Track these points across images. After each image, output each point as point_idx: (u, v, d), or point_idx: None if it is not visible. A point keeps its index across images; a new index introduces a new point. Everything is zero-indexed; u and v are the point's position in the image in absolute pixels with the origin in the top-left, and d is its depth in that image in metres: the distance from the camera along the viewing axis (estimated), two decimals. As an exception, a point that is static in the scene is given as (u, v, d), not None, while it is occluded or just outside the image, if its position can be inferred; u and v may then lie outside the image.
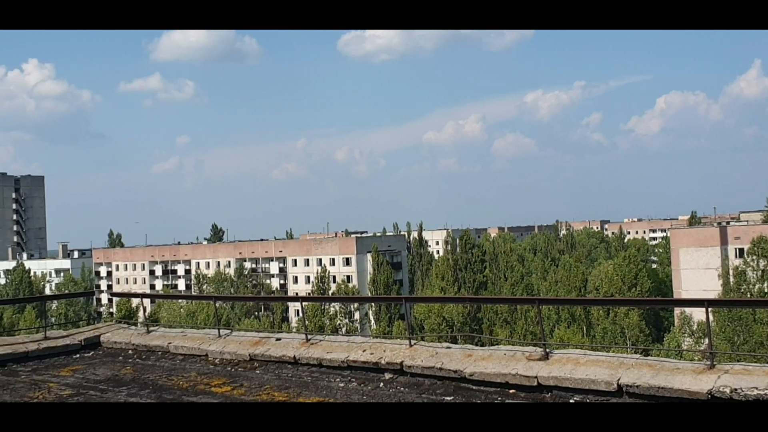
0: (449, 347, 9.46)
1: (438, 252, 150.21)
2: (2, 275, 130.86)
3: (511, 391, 8.07)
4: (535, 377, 7.94)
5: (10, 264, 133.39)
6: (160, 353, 11.99)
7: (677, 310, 74.87)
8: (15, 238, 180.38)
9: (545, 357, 8.34)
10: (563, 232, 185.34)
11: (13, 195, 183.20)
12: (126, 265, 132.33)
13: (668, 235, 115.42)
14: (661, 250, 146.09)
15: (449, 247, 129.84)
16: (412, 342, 9.76)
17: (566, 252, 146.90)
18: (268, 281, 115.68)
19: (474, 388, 8.37)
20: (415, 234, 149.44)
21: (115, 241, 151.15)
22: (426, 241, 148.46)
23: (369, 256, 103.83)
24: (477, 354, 8.91)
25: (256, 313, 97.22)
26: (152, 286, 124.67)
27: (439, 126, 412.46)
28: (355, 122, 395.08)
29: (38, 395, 9.27)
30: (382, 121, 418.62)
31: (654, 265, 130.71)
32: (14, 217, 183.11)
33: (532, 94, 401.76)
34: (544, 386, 7.88)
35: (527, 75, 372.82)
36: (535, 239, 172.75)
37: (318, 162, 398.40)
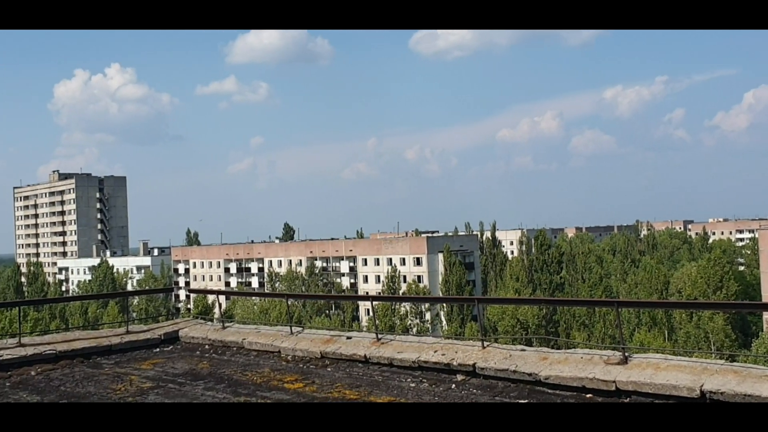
0: (524, 350, 9.36)
1: (512, 252, 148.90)
2: (87, 272, 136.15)
3: (588, 395, 7.94)
4: (613, 382, 7.78)
5: (95, 261, 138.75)
6: (234, 349, 12.27)
7: (766, 315, 71.97)
8: (99, 236, 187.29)
9: (624, 361, 8.17)
10: (644, 232, 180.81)
11: (98, 195, 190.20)
12: (202, 262, 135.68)
13: (756, 235, 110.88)
14: (748, 252, 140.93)
15: (524, 248, 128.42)
16: (485, 344, 9.69)
17: (647, 253, 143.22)
18: (338, 280, 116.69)
19: (549, 391, 8.26)
20: (488, 234, 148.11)
21: (193, 240, 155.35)
22: (499, 241, 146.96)
23: (440, 256, 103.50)
24: (552, 357, 8.79)
25: (327, 311, 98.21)
26: (227, 284, 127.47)
27: (514, 123, 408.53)
28: (426, 121, 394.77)
29: (120, 387, 9.63)
30: (455, 119, 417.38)
31: (741, 268, 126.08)
32: (98, 216, 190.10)
33: (611, 90, 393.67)
34: (622, 391, 7.72)
35: (606, 70, 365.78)
36: (614, 240, 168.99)
37: (388, 161, 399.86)
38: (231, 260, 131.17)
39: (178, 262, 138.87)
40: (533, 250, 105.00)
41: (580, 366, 8.29)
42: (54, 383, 10.01)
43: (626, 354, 8.29)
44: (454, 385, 8.98)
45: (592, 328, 78.94)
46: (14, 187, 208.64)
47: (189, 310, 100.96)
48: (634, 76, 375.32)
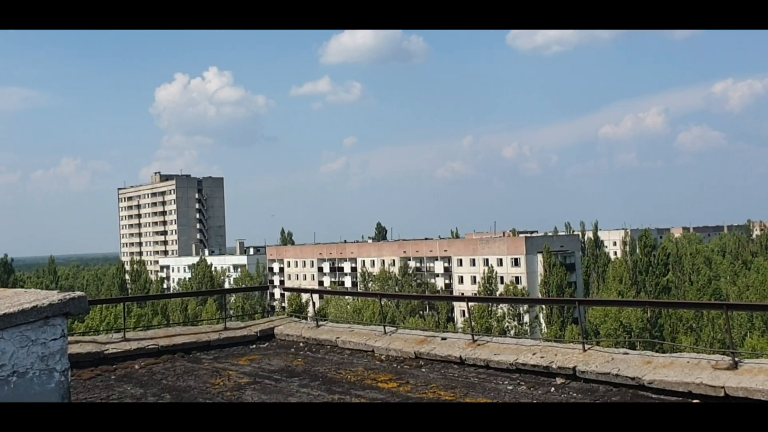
0: (626, 353, 9.14)
1: (615, 253, 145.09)
2: (187, 270, 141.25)
3: (694, 401, 7.69)
4: (722, 387, 7.49)
5: (194, 259, 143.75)
6: (328, 347, 12.48)
7: None
8: (198, 236, 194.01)
9: (734, 366, 7.85)
10: (756, 232, 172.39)
11: (197, 195, 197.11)
12: (296, 262, 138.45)
13: None
14: None
15: (627, 248, 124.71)
16: (586, 346, 9.52)
17: (760, 254, 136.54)
18: (432, 280, 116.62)
19: (653, 396, 8.05)
20: (589, 234, 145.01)
21: (287, 239, 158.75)
22: (602, 242, 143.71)
23: (539, 257, 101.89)
24: (657, 361, 8.54)
25: (421, 312, 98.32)
26: (320, 283, 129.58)
27: (617, 119, 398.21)
28: (524, 118, 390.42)
29: (219, 382, 9.96)
30: (554, 115, 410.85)
31: None
32: (197, 216, 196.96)
33: (720, 84, 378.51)
34: (731, 397, 7.43)
35: (716, 63, 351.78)
36: (724, 240, 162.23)
37: (485, 159, 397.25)
38: (324, 260, 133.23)
39: (273, 261, 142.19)
40: (637, 250, 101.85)
41: (686, 370, 8.03)
42: (156, 377, 10.46)
43: (736, 359, 7.98)
44: (553, 389, 8.86)
45: (699, 332, 76.06)
46: (118, 189, 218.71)
47: (283, 308, 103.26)
48: (747, 68, 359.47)
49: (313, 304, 15.59)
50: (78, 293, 5.22)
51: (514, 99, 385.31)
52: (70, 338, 10.22)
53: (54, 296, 5.06)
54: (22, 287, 5.71)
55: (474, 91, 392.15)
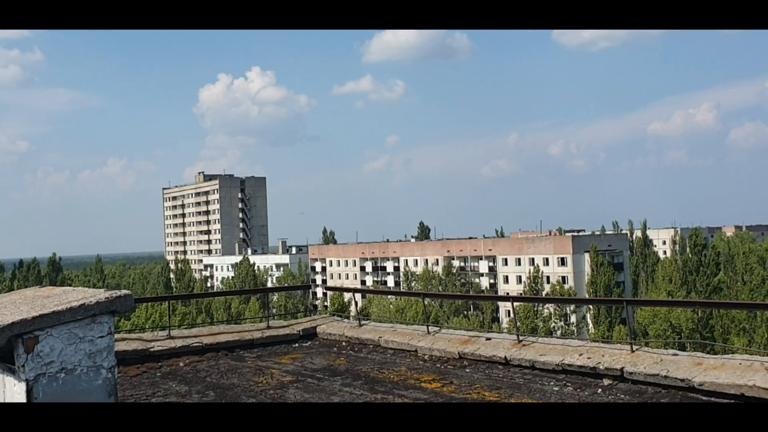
0: (676, 354, 9.00)
1: (664, 253, 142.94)
2: (230, 269, 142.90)
3: (747, 403, 7.53)
4: (776, 390, 7.34)
5: (237, 258, 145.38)
6: (371, 346, 12.52)
7: None
8: (241, 235, 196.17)
9: (788, 369, 7.68)
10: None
11: (240, 195, 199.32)
12: (338, 261, 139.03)
13: None
14: None
15: (677, 248, 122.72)
16: (634, 347, 9.41)
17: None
18: (477, 280, 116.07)
19: (703, 399, 7.91)
20: (638, 233, 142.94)
21: (329, 238, 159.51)
22: (650, 241, 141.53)
23: (586, 257, 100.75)
24: (708, 363, 8.40)
25: (465, 312, 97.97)
26: (363, 282, 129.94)
27: (666, 116, 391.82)
28: (571, 114, 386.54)
29: (262, 380, 10.07)
30: (602, 112, 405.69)
31: None
32: (240, 215, 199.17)
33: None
34: (786, 401, 7.27)
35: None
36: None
37: (530, 157, 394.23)
38: (366, 259, 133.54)
39: (315, 260, 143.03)
40: (687, 250, 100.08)
41: (738, 372, 7.87)
42: (201, 374, 10.62)
43: (792, 361, 7.80)
44: (600, 390, 8.77)
45: (753, 334, 74.40)
46: (163, 189, 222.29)
47: (326, 307, 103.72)
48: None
49: (356, 303, 15.63)
50: (124, 291, 5.32)
51: (560, 95, 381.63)
52: (116, 336, 10.43)
53: (101, 294, 5.17)
54: (70, 286, 5.88)
55: (519, 87, 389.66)
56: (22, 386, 4.66)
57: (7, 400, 4.85)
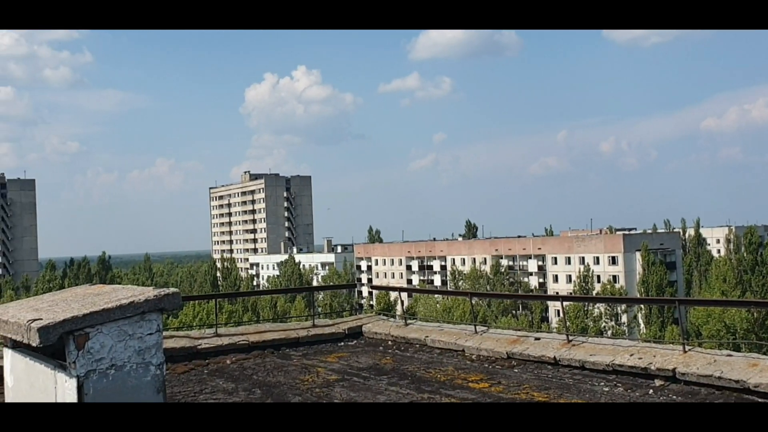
0: (730, 355, 8.84)
1: (718, 251, 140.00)
2: (276, 267, 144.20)
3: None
4: (837, 393, 7.15)
5: (283, 257, 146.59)
6: (417, 346, 12.53)
7: None
8: (286, 234, 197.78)
9: None
10: None
11: (285, 194, 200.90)
12: (384, 260, 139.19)
13: None
14: None
15: (732, 246, 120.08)
16: (687, 348, 9.28)
17: None
18: (525, 279, 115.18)
19: (759, 401, 7.75)
20: (690, 231, 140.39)
21: (374, 237, 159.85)
22: (704, 240, 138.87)
23: (638, 255, 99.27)
24: (764, 364, 8.23)
25: (514, 311, 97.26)
26: (409, 281, 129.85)
27: (720, 112, 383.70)
28: (622, 111, 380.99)
29: (308, 378, 10.15)
30: (653, 108, 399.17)
31: None
32: (286, 214, 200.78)
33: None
34: None
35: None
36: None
37: (580, 155, 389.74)
38: (413, 258, 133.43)
39: (361, 259, 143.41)
40: (742, 248, 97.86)
41: (798, 375, 7.69)
42: (247, 372, 10.75)
43: None
44: (651, 391, 8.66)
45: (812, 336, 72.43)
46: (210, 188, 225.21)
47: (371, 306, 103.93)
48: None
49: (402, 302, 15.65)
50: (172, 289, 5.41)
51: (611, 92, 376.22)
52: (164, 333, 10.62)
53: (149, 292, 5.27)
54: (119, 284, 6.01)
55: (569, 84, 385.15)
56: (73, 382, 4.77)
57: (58, 396, 4.97)
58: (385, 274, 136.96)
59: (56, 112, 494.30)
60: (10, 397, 6.05)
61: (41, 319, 4.90)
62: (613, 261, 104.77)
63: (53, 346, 4.94)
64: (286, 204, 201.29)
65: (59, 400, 4.97)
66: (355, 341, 13.40)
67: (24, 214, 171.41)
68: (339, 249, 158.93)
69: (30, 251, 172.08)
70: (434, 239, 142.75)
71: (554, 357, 10.28)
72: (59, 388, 4.96)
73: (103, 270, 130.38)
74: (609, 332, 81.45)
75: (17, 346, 5.78)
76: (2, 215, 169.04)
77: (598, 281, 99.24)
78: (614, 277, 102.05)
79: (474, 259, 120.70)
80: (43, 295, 6.38)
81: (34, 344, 4.82)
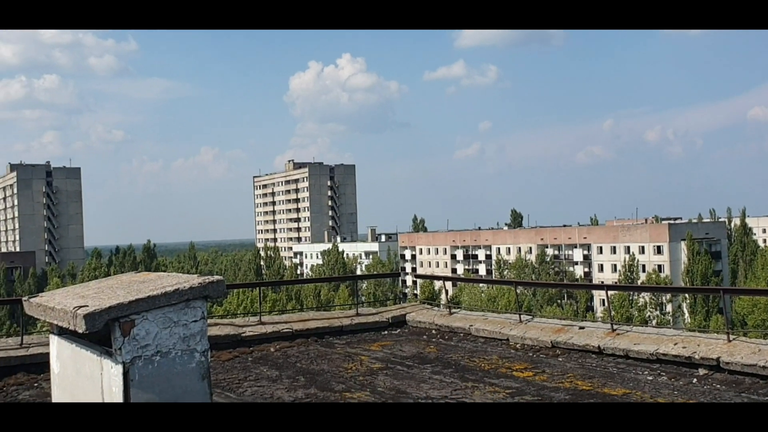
0: (776, 344, 8.67)
1: (764, 241, 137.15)
2: (319, 256, 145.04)
3: None
4: None
5: (326, 246, 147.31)
6: (461, 335, 12.49)
7: None
8: (330, 223, 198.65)
9: None
10: None
11: (329, 183, 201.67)
12: (429, 249, 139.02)
13: None
14: None
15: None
16: (731, 337, 9.16)
17: None
18: (571, 269, 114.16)
19: (810, 392, 7.57)
20: (736, 221, 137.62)
21: (419, 226, 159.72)
22: (750, 229, 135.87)
23: (683, 245, 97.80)
24: (812, 354, 8.04)
25: (559, 300, 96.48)
26: (453, 270, 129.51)
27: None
28: (668, 100, 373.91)
29: (352, 366, 10.19)
30: (700, 97, 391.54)
31: None
32: (329, 203, 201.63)
33: None
34: None
35: None
36: None
37: (626, 143, 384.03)
38: (458, 247, 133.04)
39: (405, 248, 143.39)
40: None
41: None
42: (291, 360, 10.82)
43: None
44: (695, 380, 8.53)
45: None
46: (254, 177, 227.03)
47: (415, 295, 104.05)
48: None
49: (446, 291, 15.59)
50: (216, 277, 5.45)
51: (657, 81, 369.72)
52: (209, 321, 10.76)
53: (194, 280, 5.31)
54: (164, 272, 6.08)
55: (615, 72, 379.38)
56: (119, 369, 4.83)
57: (104, 382, 5.04)
58: (430, 263, 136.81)
59: (101, 101, 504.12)
60: (56, 384, 6.16)
61: (87, 306, 4.97)
62: (658, 250, 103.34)
63: (99, 333, 5.01)
64: (329, 193, 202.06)
65: (105, 387, 5.04)
66: (398, 330, 13.41)
67: (70, 203, 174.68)
68: (383, 238, 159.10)
69: (76, 239, 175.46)
70: (479, 228, 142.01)
71: (598, 346, 10.19)
72: (105, 374, 5.03)
73: (148, 258, 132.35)
74: (654, 322, 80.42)
75: (63, 332, 5.86)
76: (48, 203, 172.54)
77: (643, 271, 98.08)
78: (659, 266, 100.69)
79: (519, 248, 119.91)
80: (89, 282, 6.48)
81: (80, 331, 4.89)
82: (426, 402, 8.07)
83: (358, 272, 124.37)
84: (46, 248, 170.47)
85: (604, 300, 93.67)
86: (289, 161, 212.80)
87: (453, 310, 13.94)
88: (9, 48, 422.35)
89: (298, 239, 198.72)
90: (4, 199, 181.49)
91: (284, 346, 11.81)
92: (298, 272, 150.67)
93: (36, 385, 9.45)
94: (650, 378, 8.78)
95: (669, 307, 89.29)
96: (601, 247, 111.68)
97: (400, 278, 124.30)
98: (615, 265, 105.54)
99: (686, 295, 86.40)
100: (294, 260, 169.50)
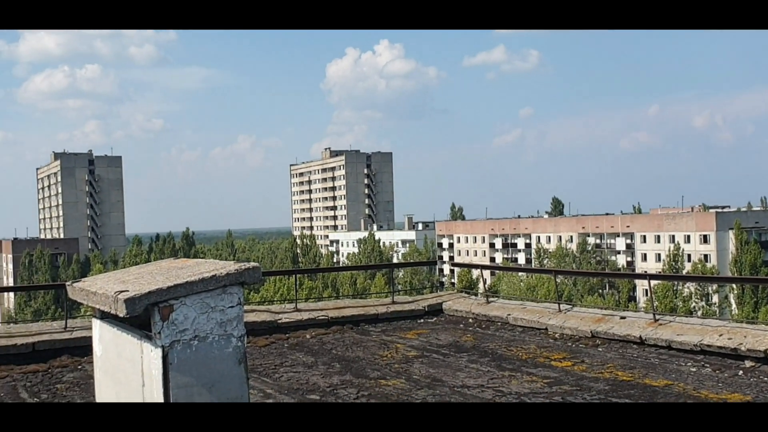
0: (828, 337, 8.52)
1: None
2: (356, 244, 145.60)
3: None
4: None
5: (363, 234, 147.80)
6: (499, 323, 12.51)
7: None
8: (366, 211, 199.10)
9: None
10: None
11: (365, 171, 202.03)
12: (467, 237, 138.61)
13: None
14: None
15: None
16: (781, 328, 9.01)
17: None
18: (613, 258, 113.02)
19: None
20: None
21: (457, 214, 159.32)
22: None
23: (731, 234, 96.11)
24: None
25: (600, 290, 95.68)
26: (492, 259, 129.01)
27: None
28: (717, 85, 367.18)
29: (387, 354, 10.28)
30: (751, 82, 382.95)
31: None
32: (366, 191, 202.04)
33: None
34: None
35: None
36: None
37: (672, 129, 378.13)
38: (496, 235, 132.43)
39: (442, 236, 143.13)
40: None
41: None
42: (326, 346, 10.95)
43: None
44: (741, 372, 8.44)
45: None
46: (290, 165, 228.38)
47: (453, 284, 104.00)
48: None
49: (484, 280, 15.61)
50: (252, 264, 5.55)
51: (705, 65, 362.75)
52: (246, 307, 10.92)
53: (231, 266, 5.42)
54: (202, 259, 6.27)
55: (661, 56, 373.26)
56: (158, 352, 4.97)
57: (144, 365, 5.19)
58: (468, 252, 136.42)
59: (141, 90, 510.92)
60: (98, 366, 6.35)
61: (128, 290, 5.11)
62: (705, 239, 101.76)
63: (139, 317, 5.15)
64: (366, 181, 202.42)
65: (145, 370, 5.19)
66: (435, 318, 13.47)
67: (111, 190, 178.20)
68: (420, 226, 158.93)
69: (117, 226, 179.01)
70: (519, 216, 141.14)
71: (640, 336, 10.13)
72: (145, 357, 5.17)
73: (187, 245, 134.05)
74: (699, 312, 79.39)
75: (105, 316, 6.04)
76: (91, 191, 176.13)
77: (689, 260, 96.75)
78: (705, 256, 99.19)
79: (560, 237, 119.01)
80: (129, 268, 6.64)
81: (120, 315, 5.04)
82: (462, 389, 8.13)
83: (395, 261, 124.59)
84: (89, 235, 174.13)
85: (647, 290, 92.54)
86: (326, 149, 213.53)
87: (491, 299, 13.96)
88: (52, 38, 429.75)
89: (335, 227, 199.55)
90: (49, 187, 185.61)
91: (320, 333, 11.96)
92: (334, 260, 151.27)
93: (80, 367, 9.73)
94: (693, 369, 8.72)
95: (715, 298, 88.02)
96: (644, 236, 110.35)
97: (437, 267, 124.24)
98: (659, 255, 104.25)
99: (733, 285, 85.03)
100: (330, 248, 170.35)
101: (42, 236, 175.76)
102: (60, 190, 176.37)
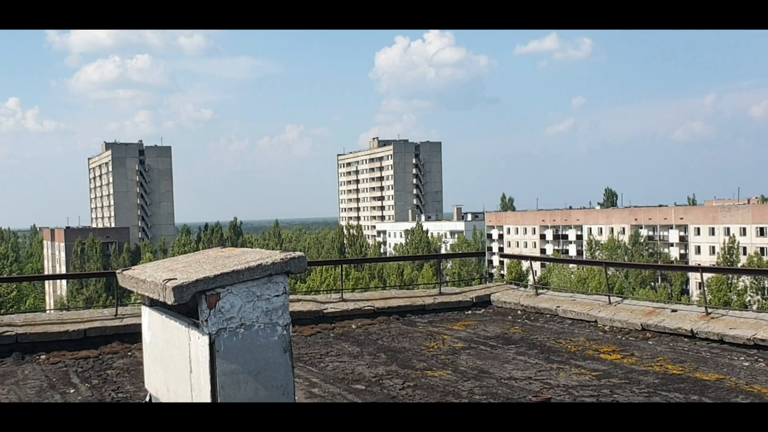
0: None
1: None
2: (403, 235, 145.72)
3: None
4: None
5: (410, 225, 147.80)
6: (548, 316, 12.44)
7: None
8: (414, 201, 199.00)
9: None
10: None
11: (414, 161, 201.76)
12: (517, 228, 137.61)
13: None
14: None
15: None
16: (840, 324, 8.78)
17: None
18: (666, 250, 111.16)
19: None
20: None
21: (507, 205, 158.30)
22: None
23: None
24: None
25: (652, 283, 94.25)
26: (542, 251, 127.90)
27: None
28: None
29: (434, 345, 10.31)
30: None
31: None
32: (414, 181, 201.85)
33: None
34: None
35: None
36: None
37: (729, 120, 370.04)
38: (547, 227, 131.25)
39: (492, 227, 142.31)
40: None
41: None
42: (372, 337, 11.02)
43: None
44: (798, 369, 8.28)
45: None
46: (338, 155, 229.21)
47: (502, 275, 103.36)
48: None
49: (533, 271, 15.52)
50: (298, 253, 5.62)
51: (764, 53, 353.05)
52: (292, 297, 11.06)
53: (276, 255, 5.50)
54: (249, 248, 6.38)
55: (718, 44, 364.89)
56: (205, 339, 5.08)
57: (192, 352, 5.31)
58: (518, 243, 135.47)
59: (191, 80, 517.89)
60: (147, 352, 6.51)
61: (176, 279, 5.22)
62: (762, 232, 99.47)
63: (187, 305, 5.27)
64: (414, 171, 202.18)
65: (193, 357, 5.31)
66: (483, 310, 13.46)
67: (161, 180, 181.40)
68: (469, 217, 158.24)
69: (167, 216, 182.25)
70: (570, 208, 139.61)
71: (691, 329, 10.00)
72: (193, 344, 5.29)
73: (235, 235, 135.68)
74: (754, 306, 77.71)
75: (154, 304, 6.20)
76: (141, 181, 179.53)
77: (744, 253, 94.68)
78: (762, 249, 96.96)
79: (612, 228, 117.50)
80: (177, 257, 6.78)
81: (169, 302, 5.16)
82: (509, 381, 8.12)
83: (443, 251, 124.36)
84: (139, 224, 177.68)
85: (700, 283, 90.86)
86: (374, 139, 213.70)
87: (540, 291, 13.90)
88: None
89: (382, 218, 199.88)
90: (101, 176, 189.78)
91: (366, 323, 12.03)
92: (381, 251, 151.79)
93: (129, 353, 9.97)
94: (746, 364, 8.58)
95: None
96: (698, 229, 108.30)
97: (485, 258, 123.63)
98: (713, 248, 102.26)
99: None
100: (377, 239, 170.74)
101: (93, 225, 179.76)
102: (111, 180, 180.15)
